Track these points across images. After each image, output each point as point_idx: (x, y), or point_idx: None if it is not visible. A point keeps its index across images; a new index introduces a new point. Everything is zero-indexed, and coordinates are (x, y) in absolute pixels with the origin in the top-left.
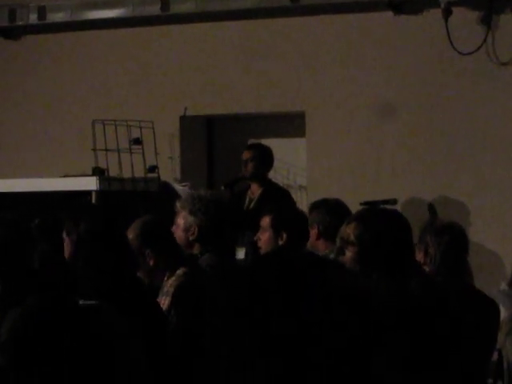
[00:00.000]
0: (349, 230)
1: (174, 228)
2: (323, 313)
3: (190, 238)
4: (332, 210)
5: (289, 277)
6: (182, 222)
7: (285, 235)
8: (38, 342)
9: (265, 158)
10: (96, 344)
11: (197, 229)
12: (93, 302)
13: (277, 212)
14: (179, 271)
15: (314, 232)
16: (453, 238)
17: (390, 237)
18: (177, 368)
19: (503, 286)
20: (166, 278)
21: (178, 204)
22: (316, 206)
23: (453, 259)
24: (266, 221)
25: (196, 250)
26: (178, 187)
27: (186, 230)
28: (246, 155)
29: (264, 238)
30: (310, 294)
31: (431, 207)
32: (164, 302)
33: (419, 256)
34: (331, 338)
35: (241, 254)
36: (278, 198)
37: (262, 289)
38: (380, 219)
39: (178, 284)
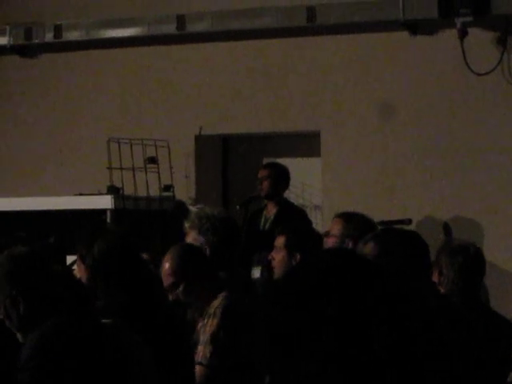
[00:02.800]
0: (366, 251)
1: None
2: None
3: None
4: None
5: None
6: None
7: (298, 256)
8: (58, 361)
9: (281, 177)
10: (112, 362)
11: (208, 249)
12: (108, 321)
13: (291, 232)
14: (223, 293)
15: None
16: (466, 260)
17: (407, 258)
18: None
19: None
20: (207, 300)
21: (186, 224)
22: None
23: (466, 280)
24: (280, 241)
25: None
26: (193, 209)
27: None
28: (261, 174)
29: (278, 259)
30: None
31: (446, 227)
32: (210, 322)
33: (435, 276)
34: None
35: (256, 273)
36: (293, 218)
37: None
38: (397, 240)
39: (226, 305)
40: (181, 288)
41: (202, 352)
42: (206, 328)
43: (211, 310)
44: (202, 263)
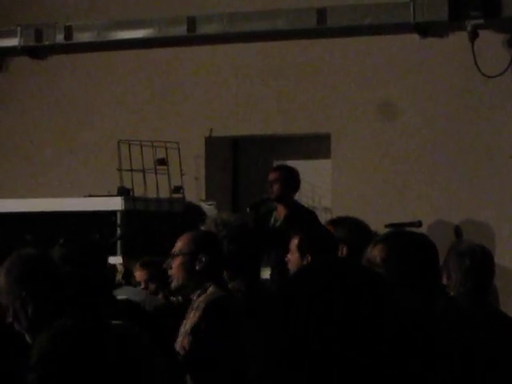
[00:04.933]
0: (375, 253)
1: None
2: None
3: None
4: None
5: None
6: None
7: (309, 258)
8: (67, 363)
9: (290, 179)
10: (121, 364)
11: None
12: (117, 322)
13: (304, 234)
14: (210, 289)
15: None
16: (474, 262)
17: (417, 261)
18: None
19: None
20: (196, 296)
21: (203, 229)
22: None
23: (474, 283)
24: (293, 242)
25: (224, 276)
26: (204, 206)
27: None
28: (271, 176)
29: (292, 260)
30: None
31: (457, 230)
32: (193, 315)
33: (443, 279)
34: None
35: (266, 274)
36: (303, 220)
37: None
38: (407, 243)
39: (210, 300)
40: (181, 259)
41: (180, 342)
42: (188, 320)
43: (195, 304)
44: (216, 249)
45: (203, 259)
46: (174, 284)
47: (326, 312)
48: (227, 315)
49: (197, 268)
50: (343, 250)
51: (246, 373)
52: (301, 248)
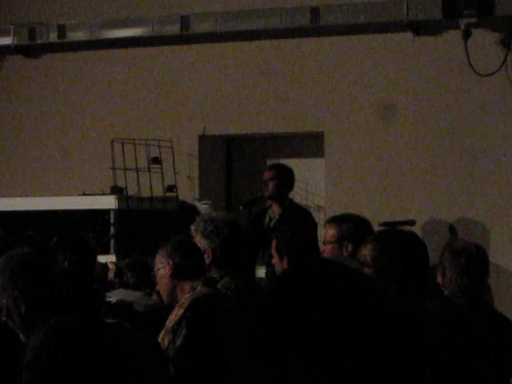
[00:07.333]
0: (365, 252)
1: None
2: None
3: (207, 262)
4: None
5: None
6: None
7: (285, 260)
8: (61, 361)
9: (286, 178)
10: (116, 362)
11: (211, 252)
12: (112, 321)
13: (279, 236)
14: (198, 288)
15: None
16: (469, 261)
17: (406, 259)
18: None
19: None
20: (186, 294)
21: (192, 227)
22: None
23: (469, 281)
24: (273, 244)
25: (213, 273)
26: (200, 205)
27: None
28: (266, 175)
29: (275, 263)
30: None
31: (452, 228)
32: (176, 312)
33: (439, 278)
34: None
35: (261, 272)
36: (298, 219)
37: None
38: (396, 241)
39: (193, 298)
40: (167, 269)
41: (161, 339)
42: (171, 317)
43: (180, 302)
44: (194, 258)
45: (178, 266)
46: (163, 298)
47: (309, 313)
48: (209, 313)
49: (175, 275)
50: (348, 247)
51: (232, 370)
52: (278, 250)
